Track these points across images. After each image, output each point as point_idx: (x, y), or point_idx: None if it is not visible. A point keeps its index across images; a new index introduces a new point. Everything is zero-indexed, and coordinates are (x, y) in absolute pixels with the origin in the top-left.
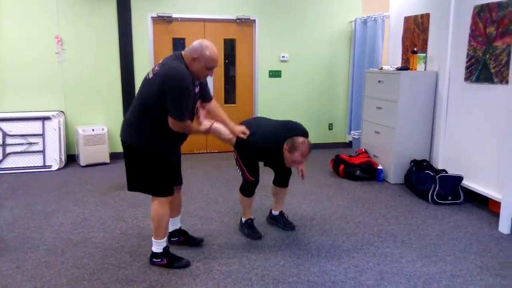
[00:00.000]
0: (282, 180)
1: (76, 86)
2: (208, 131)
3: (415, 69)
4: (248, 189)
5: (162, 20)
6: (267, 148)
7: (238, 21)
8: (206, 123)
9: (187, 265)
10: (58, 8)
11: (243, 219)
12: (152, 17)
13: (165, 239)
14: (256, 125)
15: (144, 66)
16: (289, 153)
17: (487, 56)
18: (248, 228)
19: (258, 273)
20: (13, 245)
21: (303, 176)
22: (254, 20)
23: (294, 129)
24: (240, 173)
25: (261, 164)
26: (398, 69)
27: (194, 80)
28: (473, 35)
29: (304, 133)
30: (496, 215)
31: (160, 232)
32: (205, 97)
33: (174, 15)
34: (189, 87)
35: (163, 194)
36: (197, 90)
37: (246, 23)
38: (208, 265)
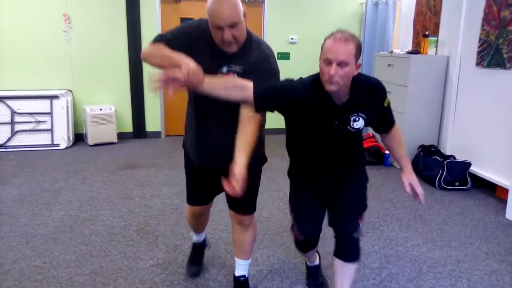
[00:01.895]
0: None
1: (84, 65)
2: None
3: (426, 53)
4: (298, 245)
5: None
6: (304, 83)
7: (246, 1)
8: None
9: (189, 274)
10: None
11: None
12: None
13: (200, 235)
14: None
15: None
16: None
17: (500, 40)
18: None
19: (264, 253)
20: (23, 221)
21: (419, 197)
22: (263, 0)
23: None
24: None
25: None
26: (408, 52)
27: (218, 46)
28: (486, 19)
29: None
30: (503, 201)
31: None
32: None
33: None
34: (182, 26)
35: (186, 198)
36: (223, 70)
37: (255, 3)
38: (214, 245)
